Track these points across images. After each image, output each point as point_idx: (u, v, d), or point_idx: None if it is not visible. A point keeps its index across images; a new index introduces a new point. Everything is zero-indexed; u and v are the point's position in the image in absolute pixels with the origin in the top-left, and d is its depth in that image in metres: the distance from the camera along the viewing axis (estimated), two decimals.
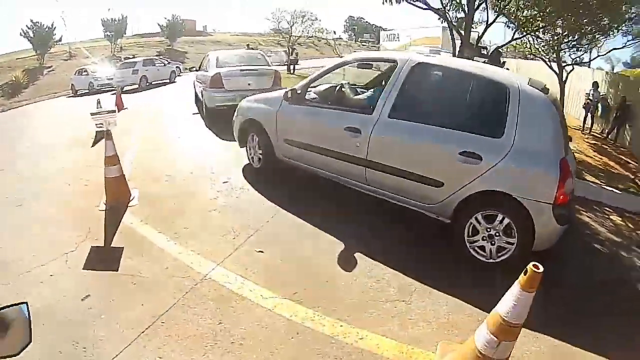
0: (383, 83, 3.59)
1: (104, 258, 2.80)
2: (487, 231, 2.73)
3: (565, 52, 10.64)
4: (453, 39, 7.41)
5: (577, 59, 10.94)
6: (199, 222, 3.30)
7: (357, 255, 2.83)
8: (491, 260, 2.77)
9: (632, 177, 6.44)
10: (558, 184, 2.45)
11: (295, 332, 2.08)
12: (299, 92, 3.70)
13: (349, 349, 1.97)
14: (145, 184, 4.10)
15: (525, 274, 1.55)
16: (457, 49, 7.10)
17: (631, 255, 3.35)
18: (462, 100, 2.99)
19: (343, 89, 3.98)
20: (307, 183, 3.95)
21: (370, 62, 4.22)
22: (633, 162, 7.50)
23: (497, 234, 2.70)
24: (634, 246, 3.51)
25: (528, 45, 10.91)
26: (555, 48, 10.26)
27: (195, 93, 8.45)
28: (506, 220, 2.63)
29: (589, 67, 12.60)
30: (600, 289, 2.73)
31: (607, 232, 3.73)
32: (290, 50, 18.56)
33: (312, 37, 27.61)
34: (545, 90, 2.76)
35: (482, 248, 2.79)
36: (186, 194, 3.90)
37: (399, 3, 7.00)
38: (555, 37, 9.56)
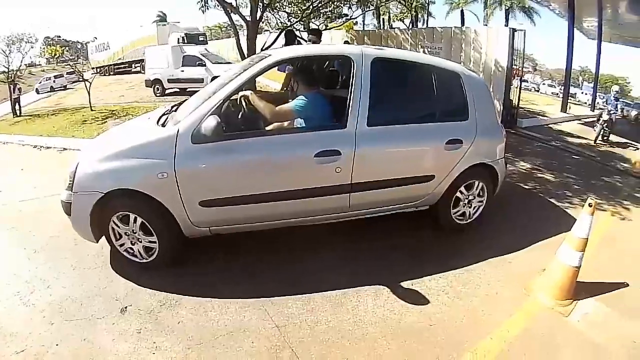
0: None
1: None
2: (467, 198, 3.10)
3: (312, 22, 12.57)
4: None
5: (324, 25, 13.02)
6: None
7: (406, 284, 2.54)
8: (468, 221, 3.20)
9: None
10: (505, 141, 3.10)
11: None
12: (217, 122, 2.27)
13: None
14: None
15: (590, 206, 2.29)
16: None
17: None
18: (428, 92, 2.90)
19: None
20: (239, 249, 2.87)
21: (307, 60, 3.18)
22: None
23: (473, 197, 3.12)
24: None
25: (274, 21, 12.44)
26: (305, 19, 12.06)
27: None
28: (480, 184, 3.07)
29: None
30: None
31: None
32: (13, 86, 13.00)
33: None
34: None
35: (463, 214, 3.16)
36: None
37: None
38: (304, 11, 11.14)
